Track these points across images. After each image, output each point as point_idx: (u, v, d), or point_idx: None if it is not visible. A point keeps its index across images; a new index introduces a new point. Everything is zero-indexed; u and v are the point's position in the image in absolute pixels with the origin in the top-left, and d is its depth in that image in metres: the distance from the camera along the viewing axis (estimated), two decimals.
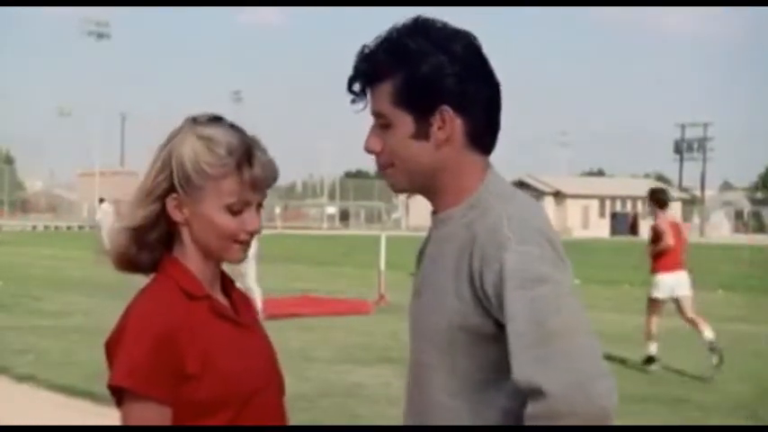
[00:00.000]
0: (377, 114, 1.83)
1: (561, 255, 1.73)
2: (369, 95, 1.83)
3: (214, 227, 1.82)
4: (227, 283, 1.95)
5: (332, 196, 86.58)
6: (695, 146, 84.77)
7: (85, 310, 12.41)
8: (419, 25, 1.81)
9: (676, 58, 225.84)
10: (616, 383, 1.61)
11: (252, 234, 1.85)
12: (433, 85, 1.77)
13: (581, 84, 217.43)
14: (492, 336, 1.70)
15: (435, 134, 1.79)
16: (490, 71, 1.85)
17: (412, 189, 1.90)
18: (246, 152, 1.80)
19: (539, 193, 66.51)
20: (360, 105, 1.84)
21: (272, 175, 1.86)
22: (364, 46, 1.83)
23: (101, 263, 1.91)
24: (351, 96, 1.84)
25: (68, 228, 58.13)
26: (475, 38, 1.85)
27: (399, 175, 1.85)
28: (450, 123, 1.78)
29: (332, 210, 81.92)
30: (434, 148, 1.80)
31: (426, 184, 1.85)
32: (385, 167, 1.86)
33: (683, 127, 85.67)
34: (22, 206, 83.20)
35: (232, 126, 1.85)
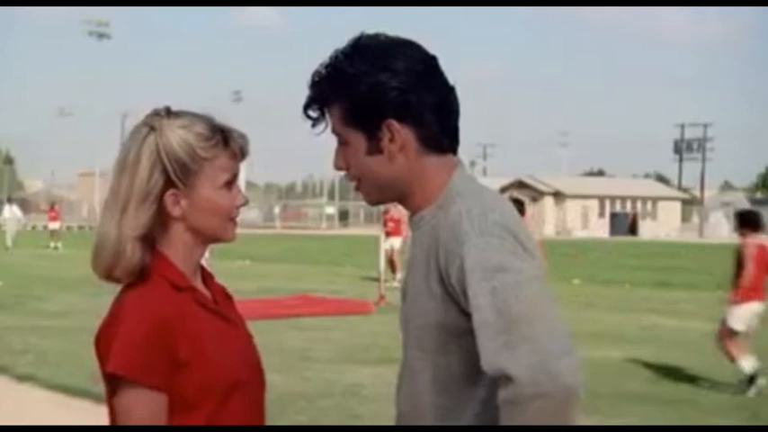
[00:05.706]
0: (335, 133, 1.91)
1: (526, 247, 1.75)
2: (327, 116, 1.91)
3: (215, 208, 1.87)
4: (206, 277, 1.98)
5: (331, 196, 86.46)
6: (695, 146, 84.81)
7: (85, 309, 12.38)
8: (359, 46, 1.88)
9: (676, 58, 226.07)
10: (579, 361, 1.62)
11: (239, 208, 1.91)
12: (374, 103, 1.84)
13: (581, 84, 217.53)
14: (468, 330, 1.72)
15: (388, 147, 1.86)
16: (437, 77, 1.90)
17: (384, 200, 1.99)
18: (223, 127, 1.89)
19: (539, 194, 66.52)
20: (320, 128, 1.92)
21: (247, 139, 1.94)
22: (314, 72, 1.90)
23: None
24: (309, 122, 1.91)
25: (68, 228, 58.14)
26: (418, 47, 1.91)
27: (368, 190, 1.94)
28: (399, 135, 1.85)
29: (331, 210, 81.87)
30: (389, 160, 1.87)
31: (395, 194, 1.92)
32: (355, 183, 1.95)
33: (682, 127, 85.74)
34: (22, 206, 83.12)
35: (189, 112, 1.90)
